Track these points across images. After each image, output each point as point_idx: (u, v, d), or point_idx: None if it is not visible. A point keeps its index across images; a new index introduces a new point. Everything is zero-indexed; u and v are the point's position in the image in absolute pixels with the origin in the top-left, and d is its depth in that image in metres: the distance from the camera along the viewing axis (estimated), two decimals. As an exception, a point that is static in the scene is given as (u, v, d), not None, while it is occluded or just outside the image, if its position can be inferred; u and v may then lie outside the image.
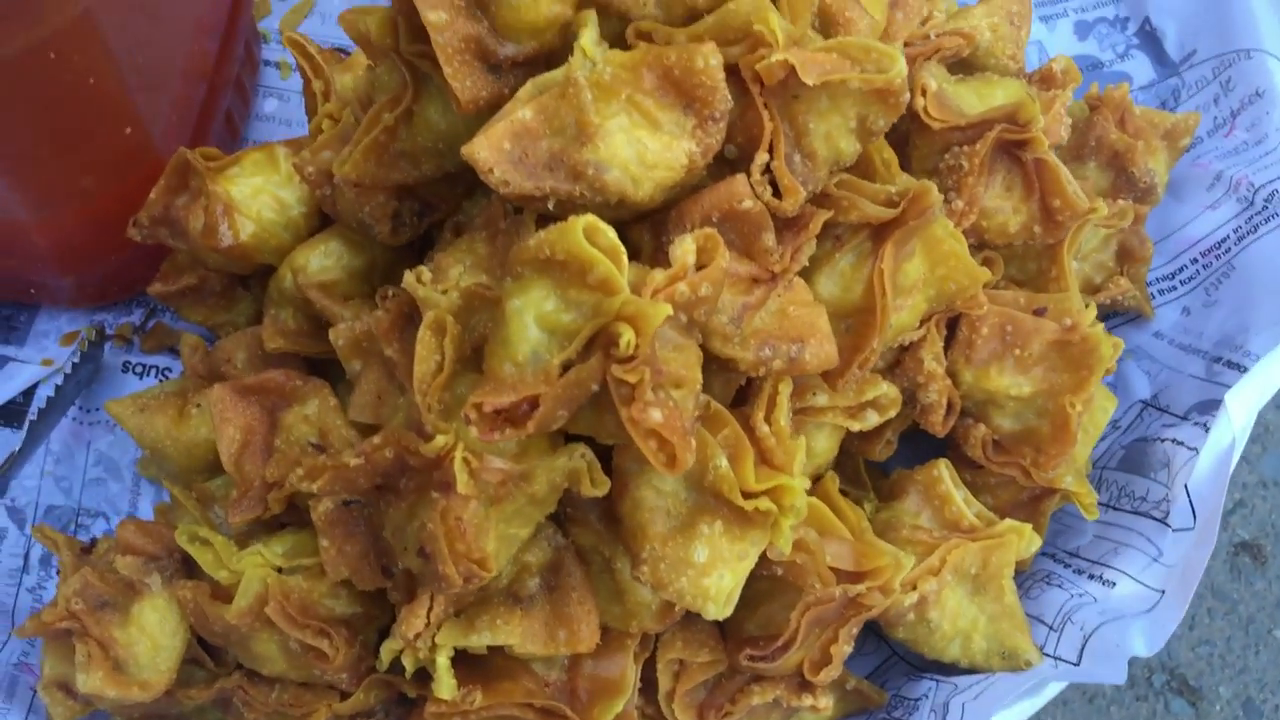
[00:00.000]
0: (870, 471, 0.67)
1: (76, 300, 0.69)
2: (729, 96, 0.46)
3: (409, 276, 0.49)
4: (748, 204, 0.47)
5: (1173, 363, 0.72)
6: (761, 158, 0.48)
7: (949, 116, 0.57)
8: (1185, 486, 0.62)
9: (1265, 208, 0.71)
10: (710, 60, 0.45)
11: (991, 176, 0.58)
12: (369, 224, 0.56)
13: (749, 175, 0.48)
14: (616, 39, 0.51)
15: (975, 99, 0.59)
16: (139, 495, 0.68)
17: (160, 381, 0.71)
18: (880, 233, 0.52)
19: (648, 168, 0.46)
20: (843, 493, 0.62)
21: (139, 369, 0.71)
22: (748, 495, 0.48)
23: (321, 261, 0.60)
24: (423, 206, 0.57)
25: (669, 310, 0.41)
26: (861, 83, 0.47)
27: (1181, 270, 0.75)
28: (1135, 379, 0.73)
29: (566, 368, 0.43)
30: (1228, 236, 0.73)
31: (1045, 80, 0.61)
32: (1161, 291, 0.75)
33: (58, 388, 0.65)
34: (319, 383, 0.56)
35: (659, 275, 0.44)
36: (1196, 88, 0.80)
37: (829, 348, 0.49)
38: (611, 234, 0.43)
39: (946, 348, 0.60)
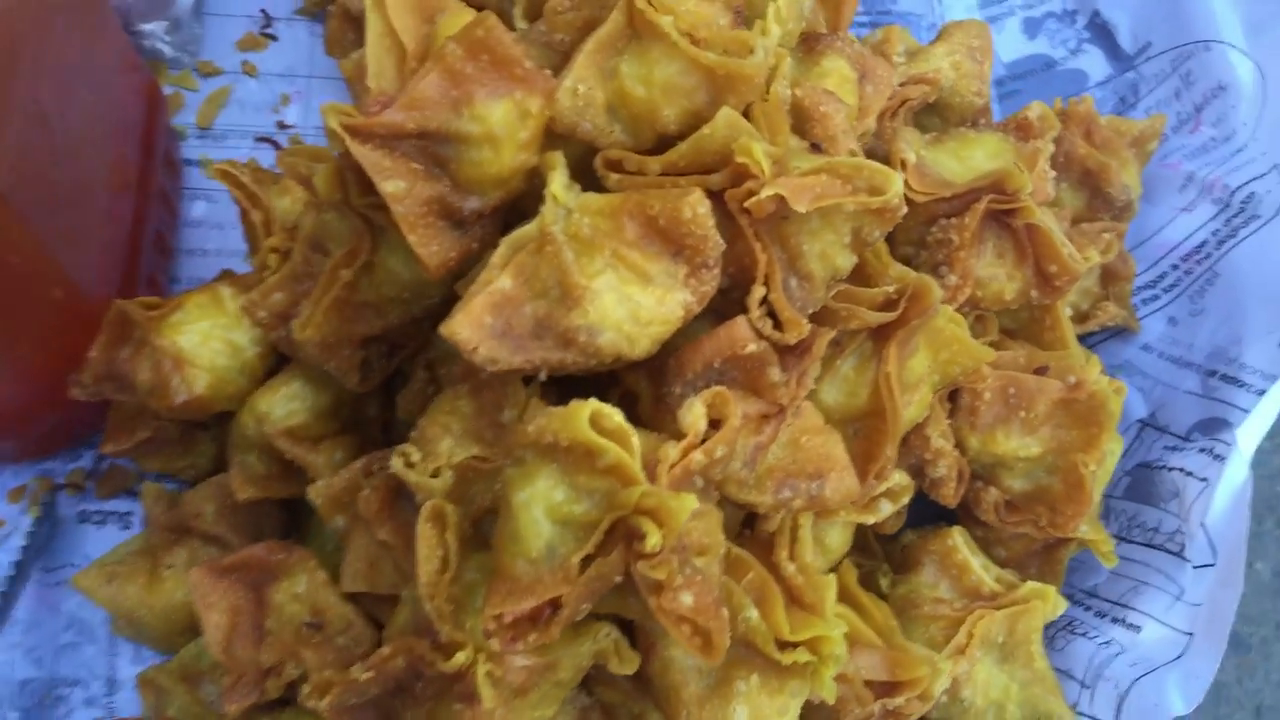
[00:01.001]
0: (878, 536, 0.65)
1: (20, 458, 0.64)
2: (720, 241, 0.43)
3: (396, 461, 0.45)
4: (751, 348, 0.44)
5: (1166, 378, 0.70)
6: (758, 291, 0.44)
7: (932, 188, 0.54)
8: (1203, 525, 0.61)
9: (1243, 209, 0.70)
10: (698, 209, 0.42)
11: (981, 245, 0.55)
12: (336, 375, 0.53)
13: (747, 310, 0.44)
14: (582, 166, 0.47)
15: (954, 162, 0.56)
16: (116, 656, 0.64)
17: (122, 528, 0.66)
18: (881, 332, 0.50)
19: (642, 325, 0.42)
20: (855, 564, 0.60)
21: (97, 517, 0.66)
22: (782, 645, 0.45)
23: (286, 406, 0.56)
24: (390, 347, 0.54)
25: (694, 504, 0.38)
26: (857, 205, 0.44)
27: (1163, 278, 0.73)
28: (1130, 397, 0.71)
29: (586, 561, 0.40)
30: (1207, 240, 0.71)
31: (1021, 129, 0.59)
32: (1145, 301, 0.73)
33: (17, 564, 0.61)
34: (303, 554, 0.52)
35: (672, 450, 0.41)
36: (1155, 81, 0.77)
37: (849, 480, 0.46)
38: (617, 416, 0.40)
39: (949, 415, 0.58)
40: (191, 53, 0.75)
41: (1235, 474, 0.60)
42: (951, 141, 0.58)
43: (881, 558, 0.63)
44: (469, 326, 0.41)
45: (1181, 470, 0.64)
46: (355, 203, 0.47)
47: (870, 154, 0.57)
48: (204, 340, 0.57)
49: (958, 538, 0.60)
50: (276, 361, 0.59)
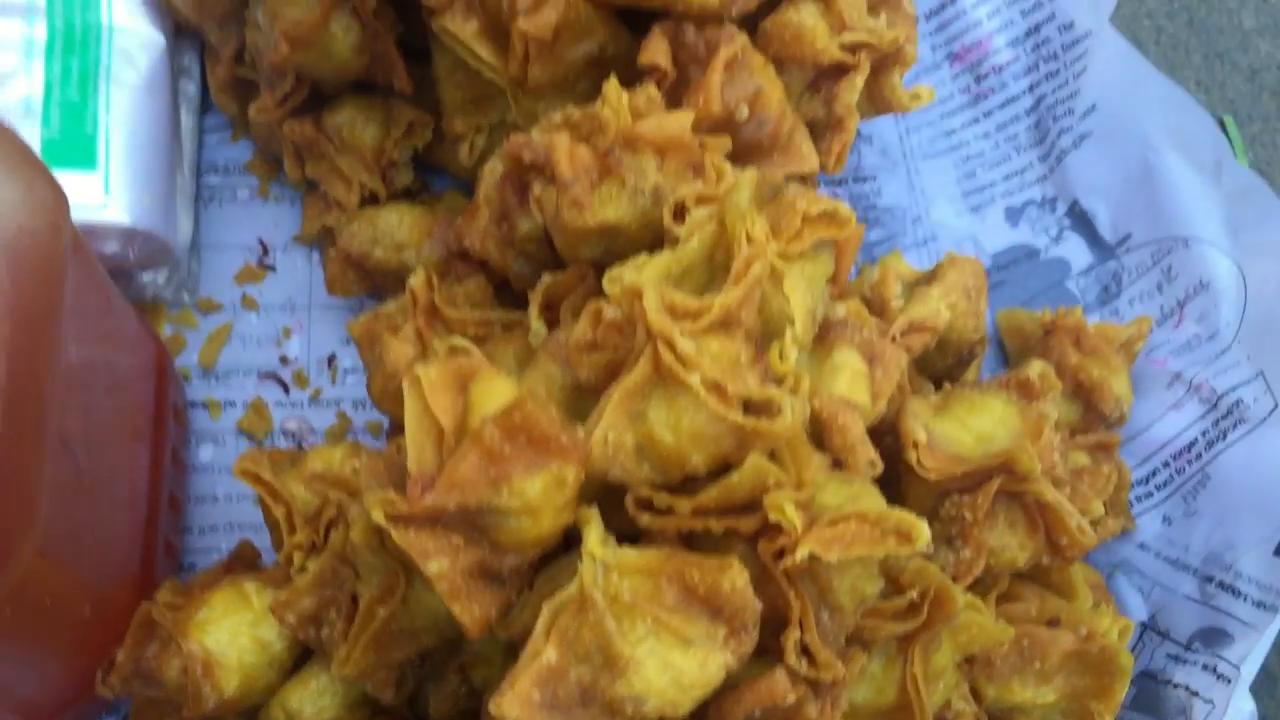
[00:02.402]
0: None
1: (45, 738, 0.65)
2: (759, 605, 0.44)
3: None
4: (791, 698, 0.45)
5: (1164, 579, 0.72)
6: (794, 635, 0.46)
7: (944, 464, 0.56)
8: (1214, 754, 0.63)
9: (1230, 413, 0.72)
10: (738, 582, 0.43)
11: (993, 517, 0.57)
12: (372, 693, 0.53)
13: (783, 654, 0.46)
14: (608, 495, 0.48)
15: (962, 432, 0.58)
16: None
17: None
18: (905, 635, 0.51)
19: (685, 689, 0.44)
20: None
21: (126, 785, 0.66)
22: None
23: (316, 703, 0.57)
24: (421, 657, 0.54)
25: None
26: (886, 552, 0.45)
27: (1155, 474, 0.75)
28: (1129, 597, 0.73)
29: None
30: (1196, 440, 0.73)
31: (1023, 388, 0.60)
32: (1139, 498, 0.75)
33: None
34: None
35: (726, 827, 0.42)
36: (1137, 273, 0.80)
37: (889, 807, 0.47)
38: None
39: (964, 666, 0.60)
40: (190, 290, 0.76)
41: (1242, 704, 0.62)
42: (958, 407, 0.59)
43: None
44: (519, 705, 0.42)
45: (1187, 689, 0.66)
46: (390, 546, 0.48)
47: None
48: (231, 639, 0.57)
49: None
50: (303, 651, 0.59)
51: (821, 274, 0.53)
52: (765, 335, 0.50)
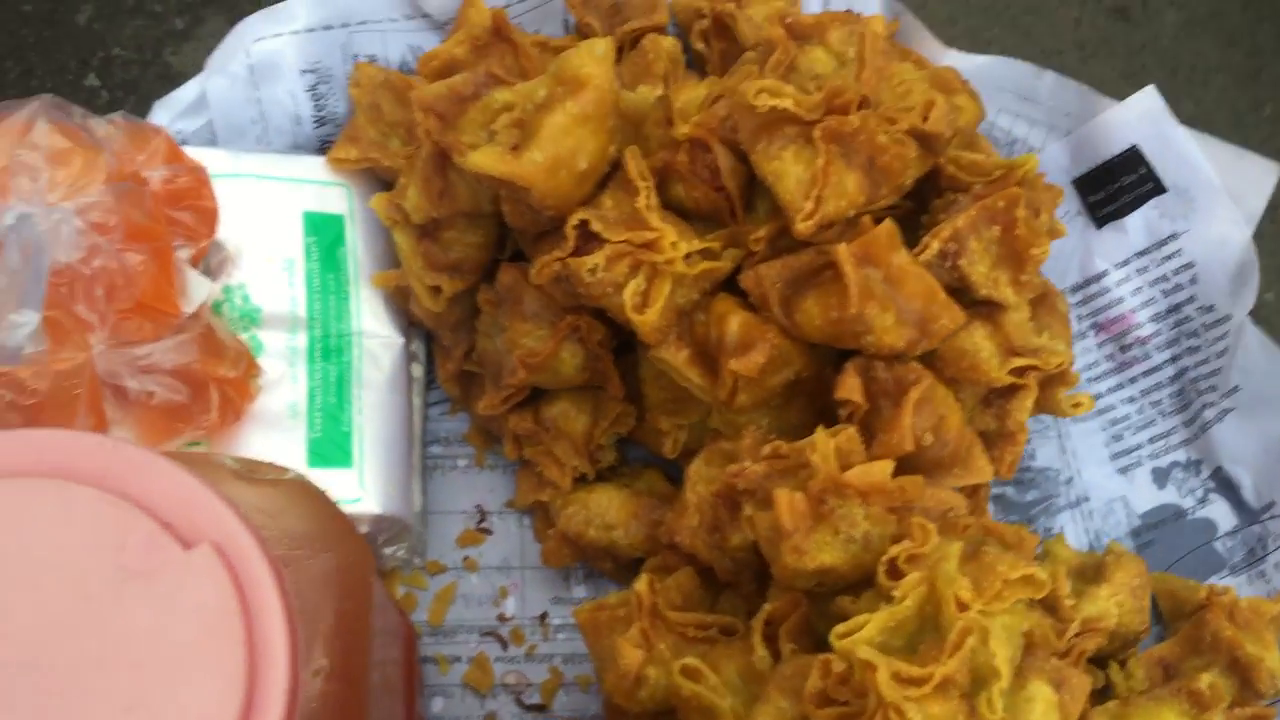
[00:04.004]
0: None
1: None
2: None
3: None
4: None
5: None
6: None
7: (1125, 778, 0.63)
8: None
9: (1379, 687, 0.77)
10: None
11: (1171, 823, 0.63)
12: None
13: None
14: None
15: (1140, 739, 0.65)
16: None
17: None
18: None
19: None
20: None
21: None
22: None
23: None
24: None
25: None
26: None
27: (1307, 738, 0.80)
28: None
29: None
30: (1345, 702, 0.79)
31: (1194, 699, 0.67)
32: (1290, 757, 0.81)
33: None
34: None
35: None
36: (1282, 539, 0.86)
37: None
38: None
39: None
40: (420, 554, 0.86)
41: None
42: (1136, 715, 0.66)
43: None
44: None
45: None
46: None
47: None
48: None
49: None
50: None
51: (1020, 624, 0.60)
52: (973, 681, 0.58)
